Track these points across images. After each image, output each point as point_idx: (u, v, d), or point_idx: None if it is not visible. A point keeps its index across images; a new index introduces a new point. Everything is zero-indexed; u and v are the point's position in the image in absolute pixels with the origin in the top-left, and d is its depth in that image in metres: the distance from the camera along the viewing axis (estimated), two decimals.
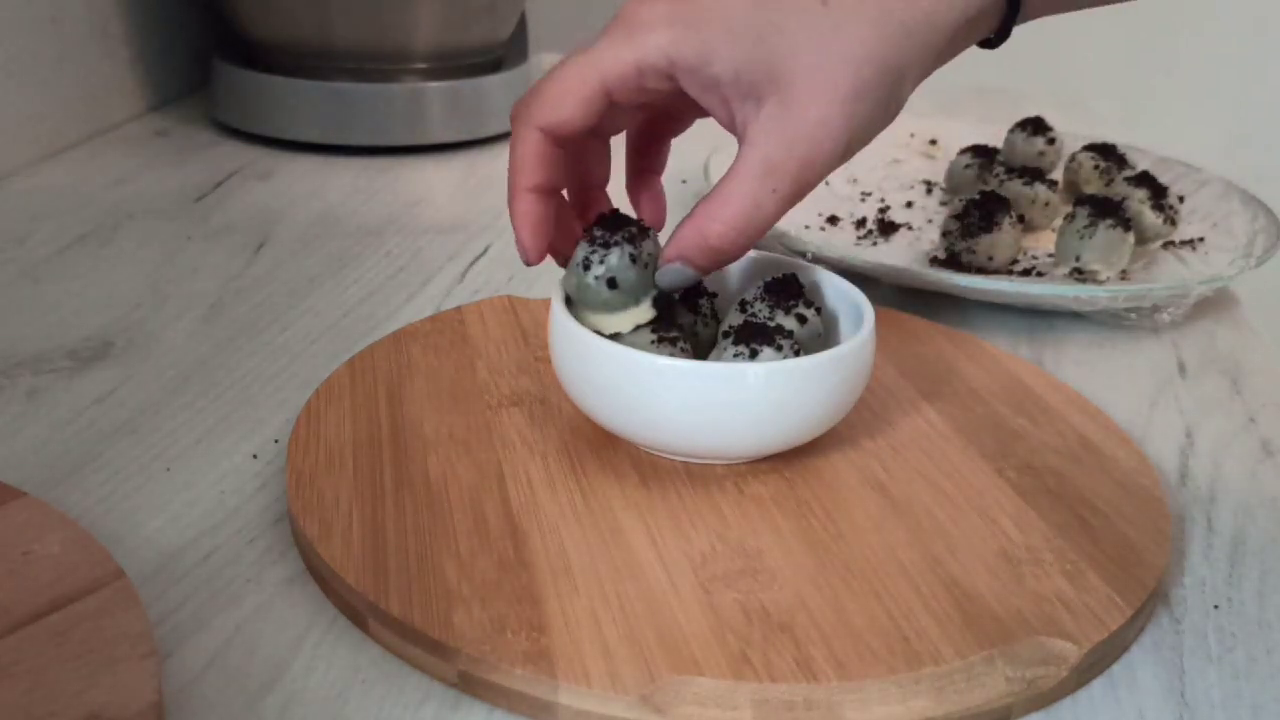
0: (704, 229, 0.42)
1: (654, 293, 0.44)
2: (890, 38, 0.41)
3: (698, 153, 0.80)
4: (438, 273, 0.65)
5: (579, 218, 0.47)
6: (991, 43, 0.45)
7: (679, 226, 0.43)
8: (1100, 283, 0.61)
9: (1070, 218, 0.63)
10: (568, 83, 0.41)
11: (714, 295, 0.48)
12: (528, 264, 0.44)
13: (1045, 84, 0.80)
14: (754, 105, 0.41)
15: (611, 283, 0.43)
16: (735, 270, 0.50)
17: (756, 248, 0.45)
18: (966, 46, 0.44)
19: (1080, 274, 0.62)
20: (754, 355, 0.42)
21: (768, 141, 0.41)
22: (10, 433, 0.48)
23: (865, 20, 0.40)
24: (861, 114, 0.41)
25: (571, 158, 0.44)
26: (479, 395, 0.49)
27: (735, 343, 0.42)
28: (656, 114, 0.46)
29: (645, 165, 0.48)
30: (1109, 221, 0.62)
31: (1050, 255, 0.66)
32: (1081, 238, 0.62)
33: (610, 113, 0.42)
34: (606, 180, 0.47)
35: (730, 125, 0.42)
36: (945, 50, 0.43)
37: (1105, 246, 0.61)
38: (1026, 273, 0.64)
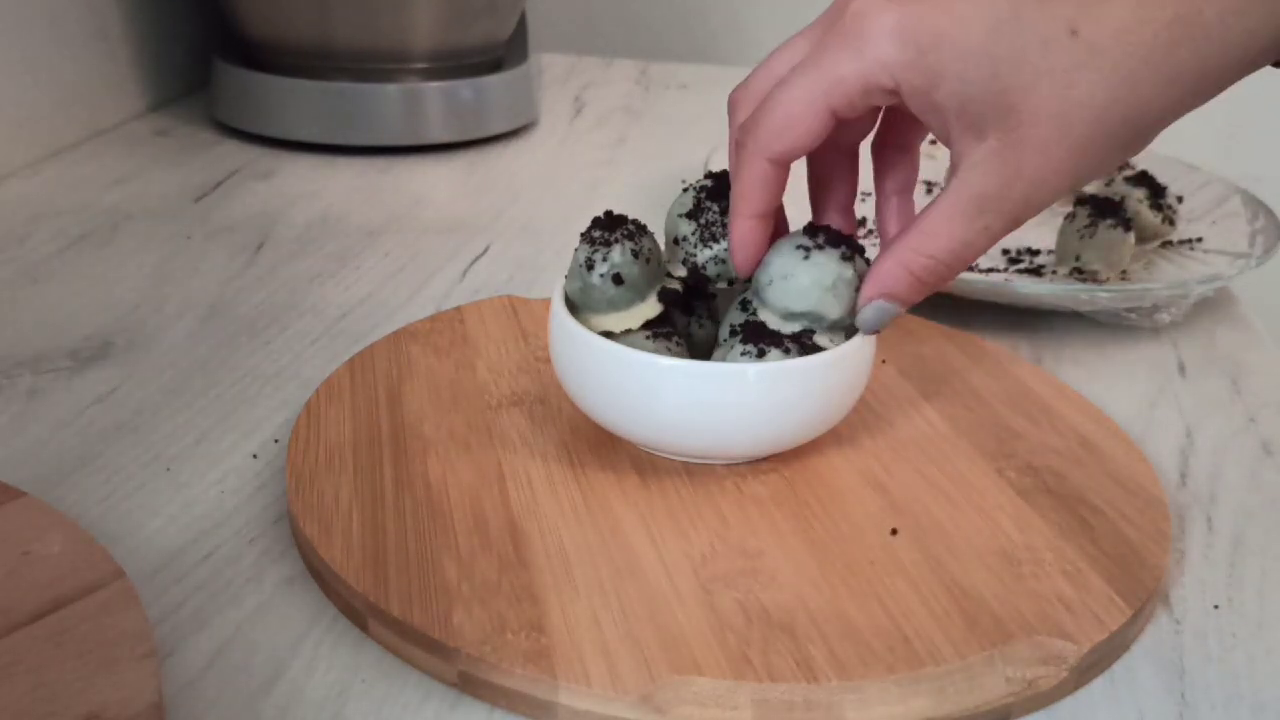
0: (909, 264, 0.40)
1: (658, 287, 0.44)
2: (1145, 85, 0.35)
3: (698, 152, 0.80)
4: (438, 273, 0.65)
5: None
6: None
7: (876, 262, 0.41)
8: (1100, 282, 0.61)
9: (1070, 217, 0.63)
10: (793, 108, 0.39)
11: (713, 297, 0.47)
12: (740, 275, 0.44)
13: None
14: (974, 137, 0.37)
15: (617, 279, 0.43)
16: None
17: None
18: (1236, 80, 0.37)
19: (1080, 273, 0.62)
20: (761, 355, 0.42)
21: (985, 178, 0.38)
22: (10, 433, 0.48)
23: (1118, 63, 0.35)
24: (1093, 164, 0.37)
25: (815, 165, 0.45)
26: (479, 395, 0.49)
27: (743, 341, 0.42)
28: (891, 121, 0.44)
29: (889, 184, 0.45)
30: (1109, 221, 0.62)
31: (1051, 253, 0.66)
32: (1081, 237, 0.62)
33: (840, 128, 0.40)
34: (851, 193, 0.46)
35: (946, 142, 0.39)
36: (1213, 93, 0.36)
37: (1105, 246, 0.61)
38: (1026, 272, 0.64)
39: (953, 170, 0.39)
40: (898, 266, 0.40)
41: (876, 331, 0.42)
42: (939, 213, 0.39)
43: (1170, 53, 0.35)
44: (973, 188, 0.38)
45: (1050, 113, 0.36)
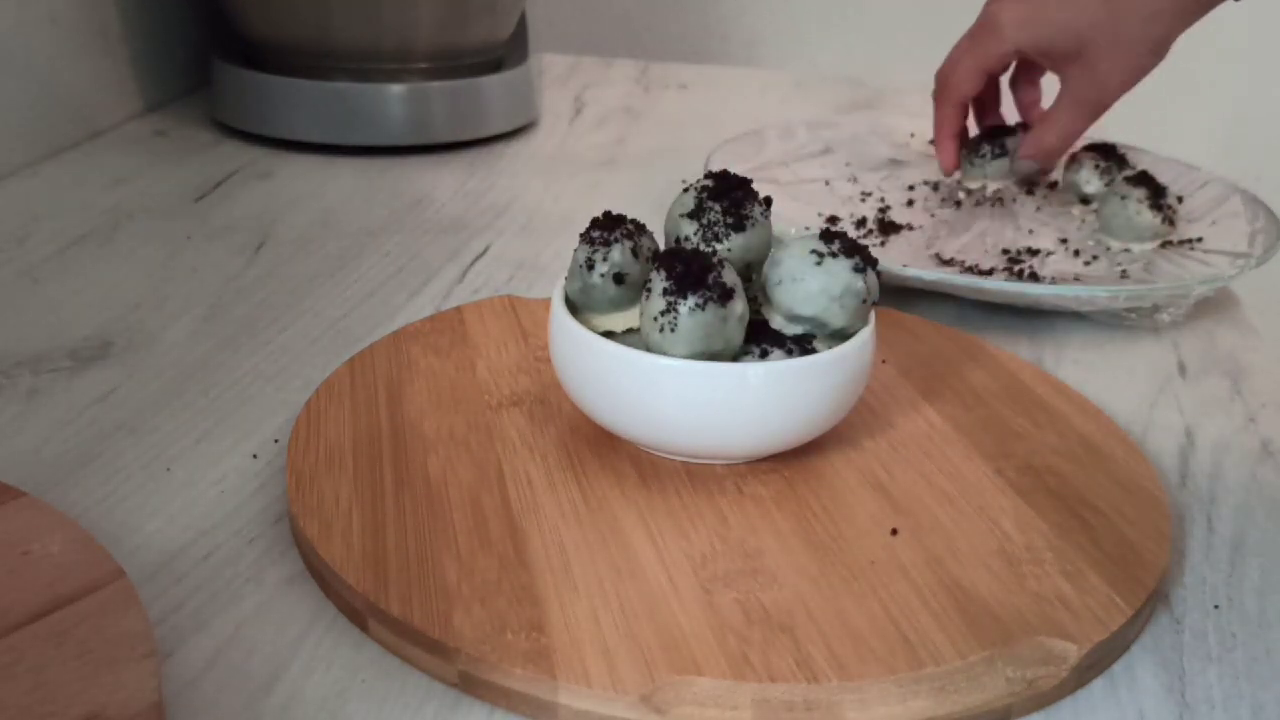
0: (1041, 139, 0.72)
1: None
2: (1152, 23, 0.66)
3: (698, 152, 0.80)
4: (438, 273, 0.65)
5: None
6: None
7: (1026, 139, 0.73)
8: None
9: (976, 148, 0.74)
10: (965, 73, 0.72)
11: None
12: (947, 173, 0.76)
13: (1044, 84, 0.81)
14: (1066, 63, 0.69)
15: (618, 278, 0.43)
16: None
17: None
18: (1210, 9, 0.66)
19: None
20: (764, 355, 0.42)
21: (1077, 88, 0.69)
22: (10, 433, 0.48)
23: (1137, 15, 0.66)
24: (1134, 70, 0.67)
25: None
26: (479, 395, 0.49)
27: (746, 341, 0.42)
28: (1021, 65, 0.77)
29: (1025, 96, 0.78)
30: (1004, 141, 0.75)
31: (1050, 253, 0.66)
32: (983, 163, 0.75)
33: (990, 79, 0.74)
34: (995, 112, 0.79)
35: (1055, 71, 0.71)
36: (1192, 18, 0.66)
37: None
38: (1025, 274, 0.64)
39: (1061, 84, 0.70)
40: (1034, 141, 0.72)
41: (1029, 174, 0.75)
42: (1054, 109, 0.71)
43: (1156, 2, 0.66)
44: (1071, 93, 0.70)
45: (1104, 48, 0.67)
